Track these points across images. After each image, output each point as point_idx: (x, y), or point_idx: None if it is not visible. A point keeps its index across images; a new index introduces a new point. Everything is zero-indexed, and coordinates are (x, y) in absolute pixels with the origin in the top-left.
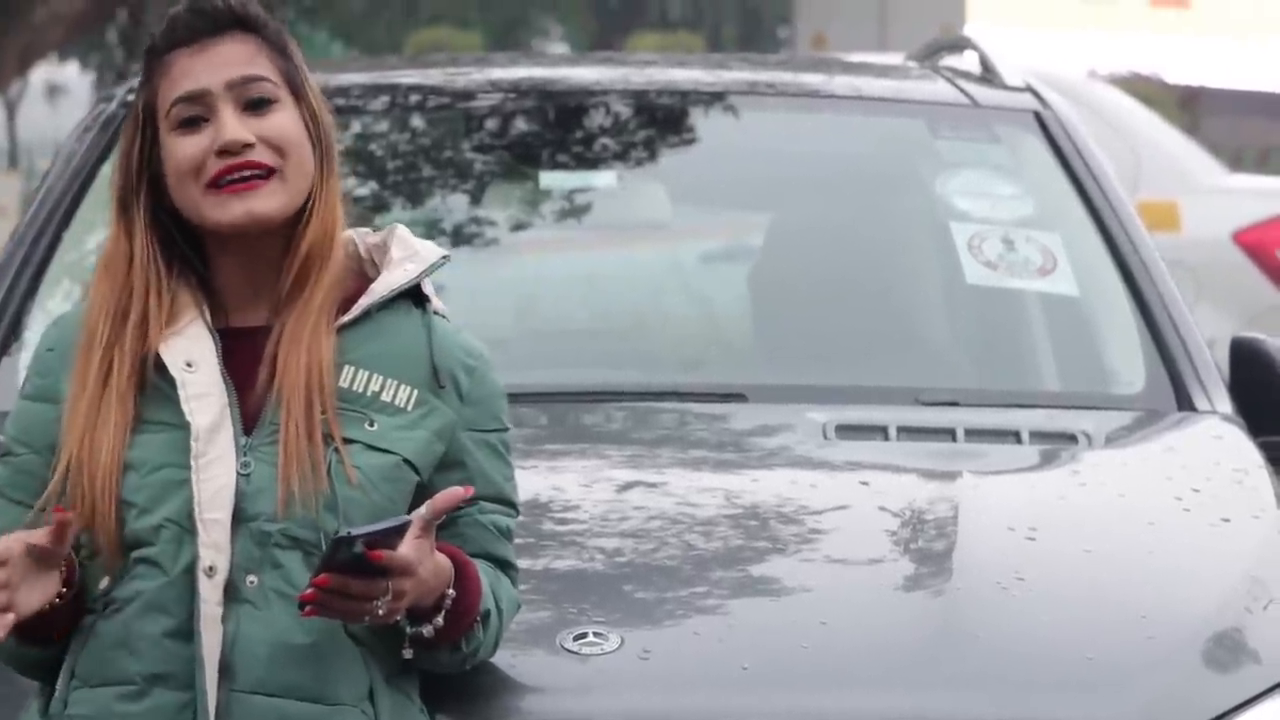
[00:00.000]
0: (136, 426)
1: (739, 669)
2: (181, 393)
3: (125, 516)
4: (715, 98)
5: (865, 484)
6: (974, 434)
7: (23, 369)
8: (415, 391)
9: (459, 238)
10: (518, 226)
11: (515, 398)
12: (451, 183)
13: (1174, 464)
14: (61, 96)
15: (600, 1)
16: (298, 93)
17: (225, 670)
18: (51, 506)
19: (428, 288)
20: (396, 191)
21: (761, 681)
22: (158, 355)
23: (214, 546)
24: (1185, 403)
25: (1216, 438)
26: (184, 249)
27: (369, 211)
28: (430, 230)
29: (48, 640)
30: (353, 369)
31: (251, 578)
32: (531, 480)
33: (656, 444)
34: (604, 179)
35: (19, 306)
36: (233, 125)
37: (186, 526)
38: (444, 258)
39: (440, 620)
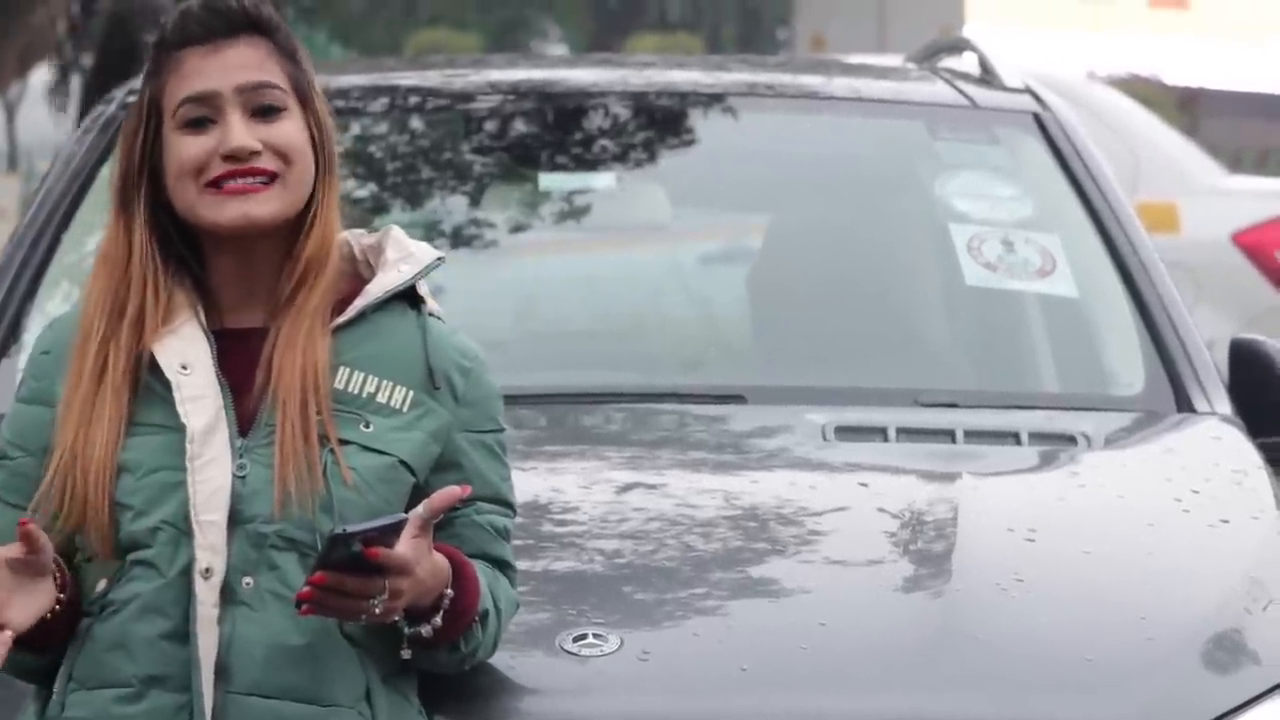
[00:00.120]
0: (131, 429)
1: (738, 670)
2: (177, 395)
3: (121, 519)
4: (714, 99)
5: (864, 485)
6: (973, 435)
7: (21, 371)
8: (411, 393)
9: (458, 239)
10: (517, 228)
11: (514, 399)
12: (450, 184)
13: (1173, 465)
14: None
15: (599, 3)
16: (304, 100)
17: (221, 672)
18: (45, 505)
19: (423, 289)
20: (395, 193)
21: (761, 682)
22: (152, 357)
23: (210, 548)
24: (1184, 404)
25: (1216, 439)
26: (180, 248)
27: (368, 213)
28: (429, 232)
29: (46, 648)
30: (348, 370)
31: (248, 579)
32: (531, 482)
33: (656, 445)
34: (603, 180)
35: (18, 308)
36: (240, 131)
37: (183, 529)
38: (439, 259)
39: (438, 620)
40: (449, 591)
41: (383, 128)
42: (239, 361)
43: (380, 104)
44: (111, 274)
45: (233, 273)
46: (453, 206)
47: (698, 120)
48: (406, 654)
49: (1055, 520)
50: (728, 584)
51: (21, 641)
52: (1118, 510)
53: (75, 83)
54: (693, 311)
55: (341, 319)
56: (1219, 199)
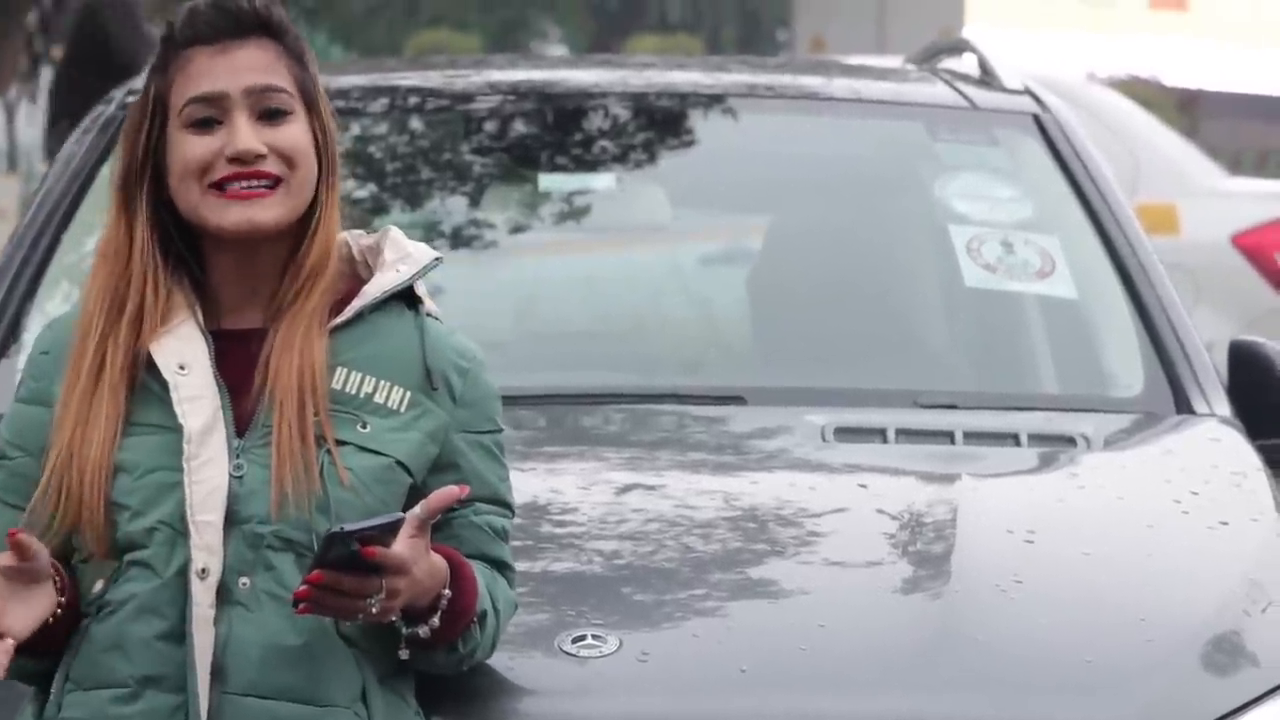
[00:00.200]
0: (128, 429)
1: (737, 671)
2: (174, 395)
3: (118, 519)
4: (714, 100)
5: (864, 486)
6: (973, 436)
7: (21, 371)
8: (408, 393)
9: (458, 240)
10: (517, 229)
11: (514, 400)
12: (450, 185)
13: (1172, 467)
14: None
15: (599, 4)
16: (310, 104)
17: (217, 672)
18: (42, 505)
19: (421, 289)
20: (396, 194)
21: (760, 684)
22: (150, 356)
23: (206, 549)
24: (1184, 406)
25: (1215, 441)
26: (180, 247)
27: (368, 213)
28: (429, 232)
29: (48, 653)
30: (345, 371)
31: (244, 580)
32: (530, 482)
33: (655, 446)
34: (603, 181)
35: (18, 308)
36: (246, 135)
37: (179, 529)
38: (436, 260)
39: (436, 621)
40: (447, 592)
41: (383, 128)
42: (238, 362)
43: (380, 104)
44: (111, 271)
45: (233, 274)
46: (453, 207)
47: (698, 121)
48: (404, 654)
49: (1054, 522)
50: (727, 585)
51: (24, 647)
52: (1117, 512)
53: (45, 75)
54: (692, 312)
55: (339, 319)
56: (1218, 201)
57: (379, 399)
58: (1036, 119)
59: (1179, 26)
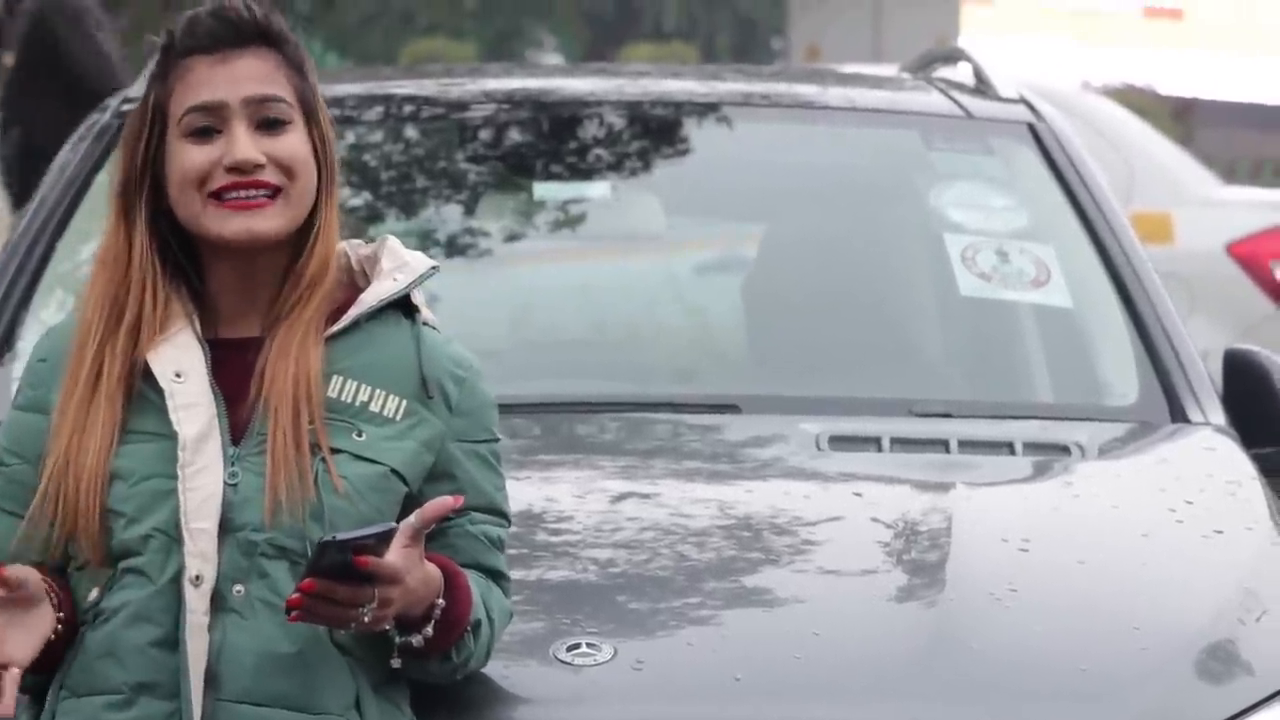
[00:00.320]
0: (125, 436)
1: (732, 679)
2: (170, 402)
3: (113, 526)
4: (709, 109)
5: (858, 495)
6: (967, 445)
7: (16, 379)
8: (404, 402)
9: (453, 248)
10: (512, 237)
11: (509, 408)
12: (446, 193)
13: (1167, 476)
14: None
15: (594, 12)
16: (310, 114)
17: (211, 679)
18: (40, 513)
19: (418, 298)
20: (391, 202)
21: (754, 692)
22: (147, 364)
23: (200, 556)
24: (1179, 414)
25: (1210, 449)
26: (178, 255)
27: (363, 222)
28: (424, 241)
29: (46, 669)
30: (341, 379)
31: (238, 587)
32: (525, 491)
33: (650, 455)
34: (598, 190)
35: (13, 316)
36: (245, 144)
37: (174, 536)
38: (433, 268)
39: (430, 630)
40: (440, 601)
41: (378, 137)
42: (235, 371)
43: (376, 113)
44: (110, 279)
45: (232, 283)
46: (448, 215)
47: (693, 130)
48: (397, 663)
49: (1049, 530)
50: (722, 593)
51: (27, 669)
52: (1112, 520)
53: None
54: (687, 321)
55: (335, 328)
56: (1213, 209)
57: (375, 407)
58: (1031, 128)
59: (1173, 35)
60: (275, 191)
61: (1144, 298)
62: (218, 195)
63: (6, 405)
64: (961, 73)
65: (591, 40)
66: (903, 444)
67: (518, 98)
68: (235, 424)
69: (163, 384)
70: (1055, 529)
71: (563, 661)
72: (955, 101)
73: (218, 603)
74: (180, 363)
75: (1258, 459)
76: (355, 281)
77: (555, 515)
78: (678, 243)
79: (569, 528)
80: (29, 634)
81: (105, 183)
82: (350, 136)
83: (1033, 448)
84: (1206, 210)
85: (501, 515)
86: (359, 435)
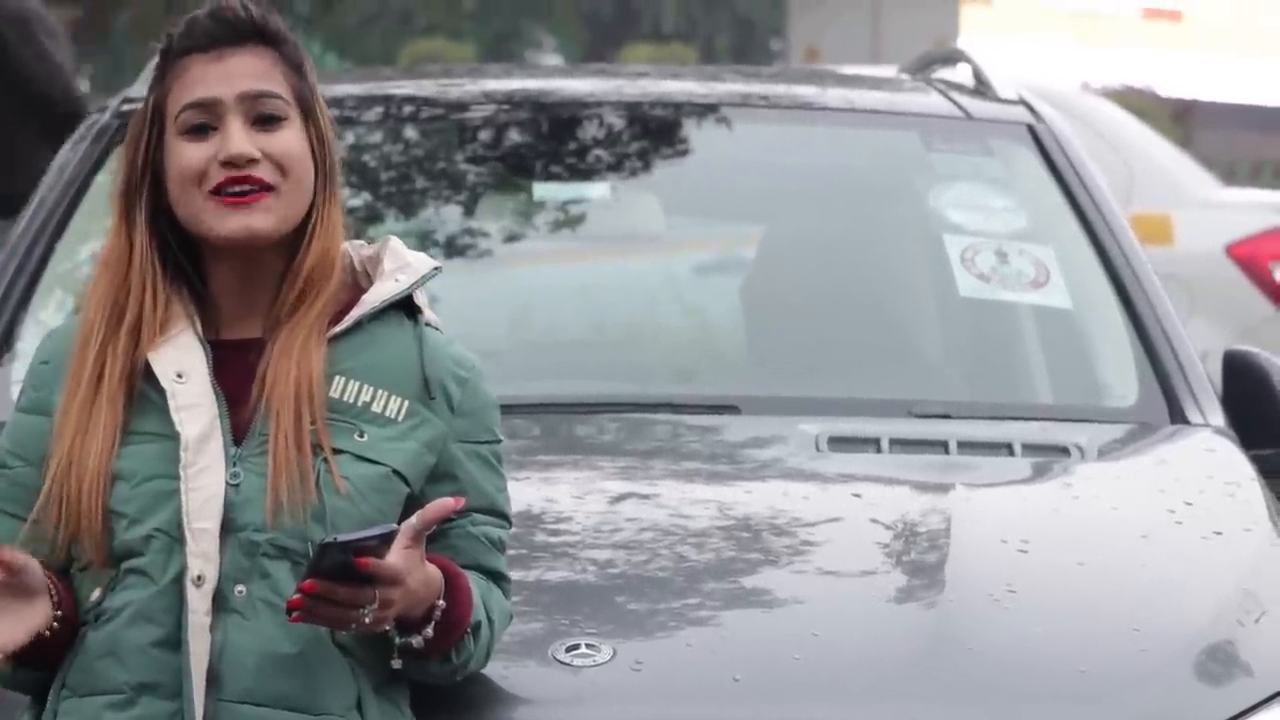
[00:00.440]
0: (127, 437)
1: (731, 680)
2: (171, 403)
3: (115, 527)
4: (708, 109)
5: (858, 496)
6: (967, 446)
7: (15, 379)
8: (406, 403)
9: (452, 249)
10: (511, 238)
11: (508, 409)
12: (445, 194)
13: (1167, 477)
14: None
15: (593, 13)
16: (308, 112)
17: (213, 679)
18: (43, 515)
19: (420, 299)
20: (390, 203)
21: (753, 693)
22: (149, 365)
23: (202, 556)
24: (1178, 416)
25: (1209, 451)
26: (179, 256)
27: (362, 223)
28: (424, 241)
29: (43, 665)
30: (343, 380)
31: (240, 587)
32: (524, 491)
33: (649, 455)
34: (597, 190)
35: (12, 317)
36: (239, 138)
37: (176, 536)
38: (435, 269)
39: (430, 631)
40: (441, 603)
41: (378, 137)
42: (237, 372)
43: (375, 113)
44: (111, 280)
45: (233, 283)
46: (447, 216)
47: (692, 130)
48: (397, 664)
49: (1049, 531)
50: (721, 594)
51: (18, 660)
52: (1111, 522)
53: None
54: (687, 322)
55: (338, 328)
56: (1213, 211)
57: (377, 408)
58: (1031, 129)
59: (1173, 37)
60: (269, 189)
61: (1143, 299)
62: (216, 193)
63: (5, 405)
64: (961, 74)
65: (590, 41)
66: (902, 445)
67: (517, 98)
68: (237, 424)
69: (164, 384)
70: (1054, 530)
71: (562, 662)
72: (954, 103)
73: (219, 603)
74: (182, 363)
75: (1257, 460)
76: (358, 282)
77: (555, 516)
78: (677, 243)
79: (568, 528)
80: (19, 623)
81: (105, 183)
82: (350, 137)
83: (1032, 449)
84: (1206, 212)
85: (502, 517)
86: (361, 436)
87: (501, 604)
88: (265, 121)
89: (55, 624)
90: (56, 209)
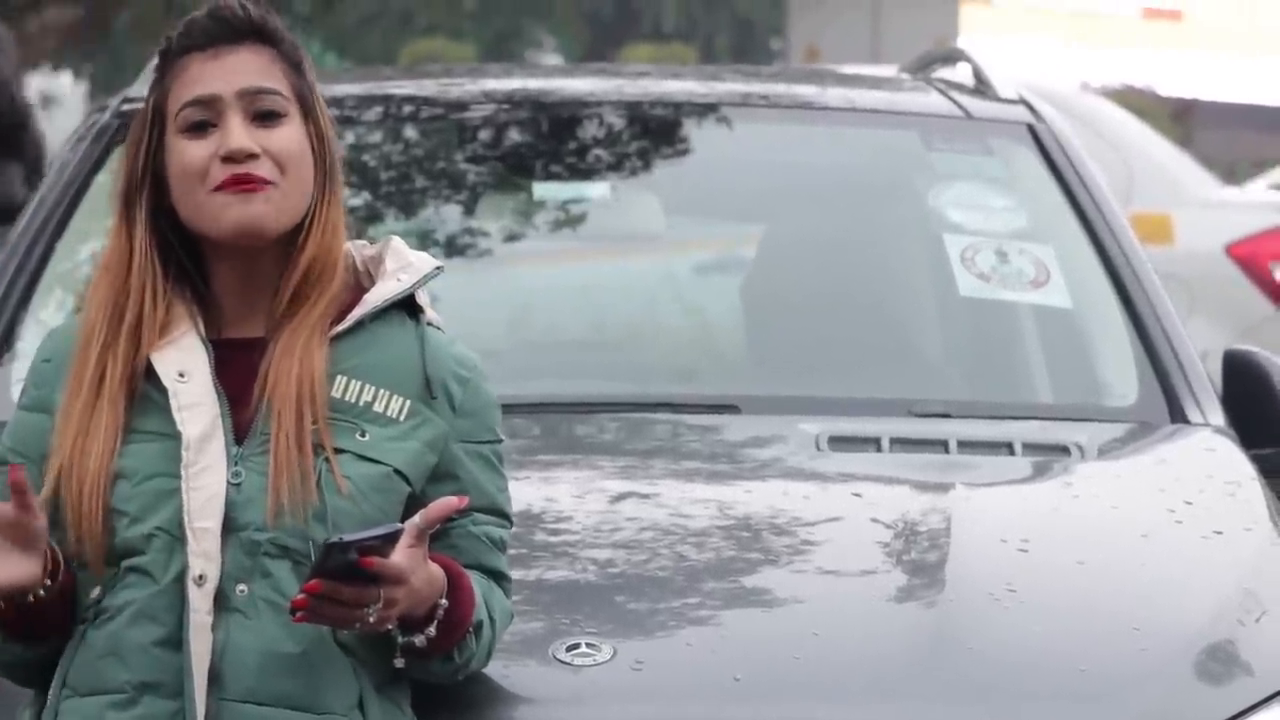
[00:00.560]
0: (128, 436)
1: (731, 680)
2: (173, 402)
3: (116, 525)
4: (708, 109)
5: (858, 495)
6: (967, 445)
7: (15, 379)
8: (408, 402)
9: (452, 248)
10: (511, 237)
11: (508, 408)
12: (445, 193)
13: (1167, 476)
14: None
15: (593, 13)
16: (307, 110)
17: (215, 679)
18: (45, 514)
19: (422, 298)
20: (390, 202)
21: (754, 692)
22: (151, 365)
23: (204, 555)
24: (1178, 415)
25: (1209, 450)
26: (181, 256)
27: (363, 222)
28: (424, 241)
29: (32, 638)
30: (345, 379)
31: (241, 587)
32: (524, 491)
33: (649, 455)
34: (598, 190)
35: (12, 316)
36: (239, 133)
37: (177, 535)
38: (437, 269)
39: (433, 630)
40: (443, 602)
41: (378, 137)
42: (239, 371)
43: (375, 113)
44: (113, 283)
45: (235, 283)
46: (447, 216)
47: (692, 130)
48: (400, 663)
49: (1049, 531)
50: (721, 594)
51: (10, 630)
52: (1111, 521)
53: None
54: (687, 321)
55: (340, 328)
56: (1213, 210)
57: (378, 407)
58: (1031, 129)
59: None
60: (270, 185)
61: (1144, 298)
62: (218, 189)
63: (5, 405)
64: (961, 73)
65: (591, 41)
66: (902, 444)
67: (517, 98)
68: (239, 424)
69: (166, 384)
70: (1055, 529)
71: (562, 662)
72: (955, 102)
73: (221, 602)
74: (184, 363)
75: (1257, 460)
76: (360, 282)
77: (555, 515)
78: (677, 243)
79: (568, 528)
80: (12, 568)
81: (105, 183)
82: (350, 136)
83: (1032, 448)
84: (1206, 211)
85: (504, 516)
86: (362, 435)
87: (503, 603)
88: (265, 118)
89: (43, 591)
90: (56, 209)
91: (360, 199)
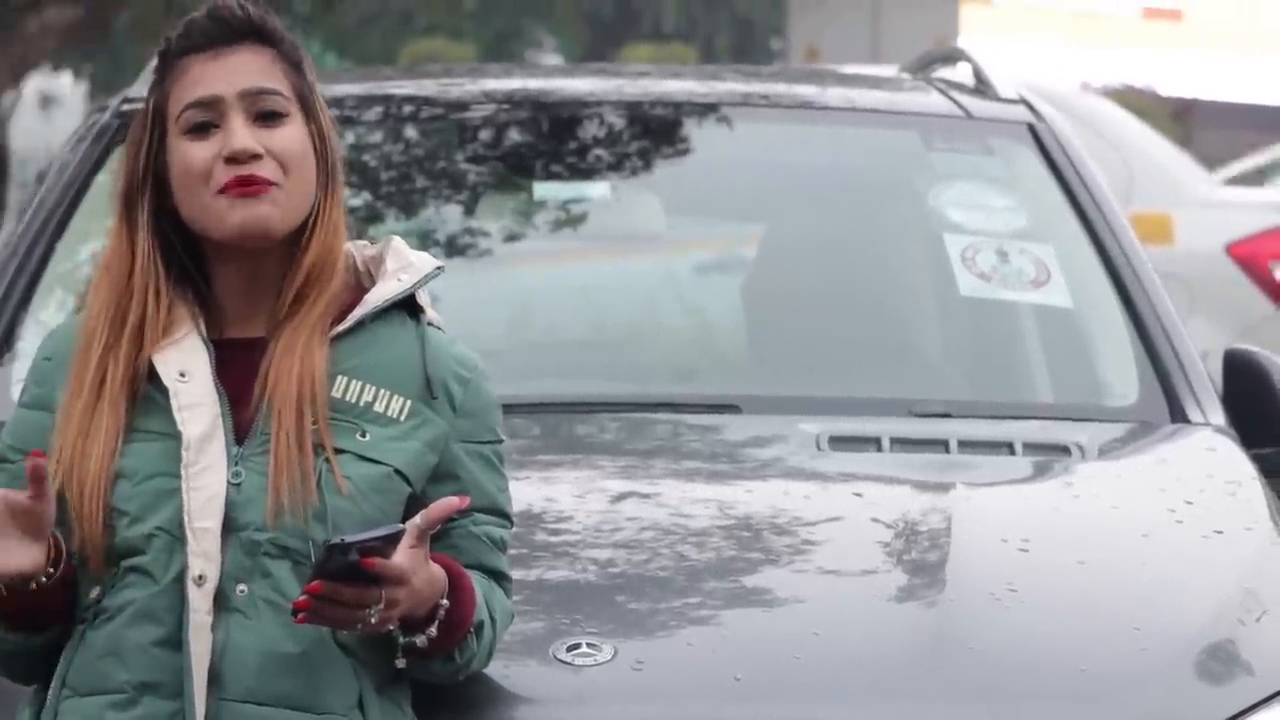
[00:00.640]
0: (129, 435)
1: (732, 679)
2: (174, 402)
3: (117, 525)
4: (709, 109)
5: (858, 495)
6: (967, 445)
7: (16, 379)
8: (408, 402)
9: (453, 248)
10: (511, 237)
11: (509, 408)
12: (445, 193)
13: (1167, 476)
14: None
15: (593, 13)
16: (308, 109)
17: (214, 679)
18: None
19: (423, 299)
20: (390, 202)
21: (754, 692)
22: (152, 366)
23: (204, 555)
24: (1179, 415)
25: (1210, 450)
26: (183, 257)
27: (363, 222)
28: (424, 241)
29: (31, 627)
30: (346, 379)
31: (241, 587)
32: (525, 491)
33: (650, 455)
34: (598, 190)
35: (12, 316)
36: (242, 134)
37: (177, 535)
38: (438, 269)
39: (434, 630)
40: (444, 602)
41: (378, 137)
42: (240, 371)
43: (375, 113)
44: (114, 285)
45: (237, 285)
46: (448, 215)
47: (692, 130)
48: (401, 663)
49: (1049, 530)
50: (721, 593)
51: (11, 619)
52: (1112, 521)
53: None
54: (687, 321)
55: (340, 328)
56: (1213, 210)
57: (379, 408)
58: (1031, 128)
59: (1173, 36)
60: (274, 186)
61: (1144, 298)
62: (222, 193)
63: (5, 404)
64: (961, 73)
65: (591, 41)
66: (903, 444)
67: (518, 98)
68: (240, 424)
69: (167, 384)
70: (1055, 529)
71: (563, 661)
72: (955, 102)
73: (221, 602)
74: (185, 363)
75: (1258, 459)
76: (361, 282)
77: (555, 515)
78: (678, 243)
79: (569, 528)
80: (16, 555)
81: (105, 183)
82: (350, 136)
83: (1033, 448)
84: (1206, 211)
85: (504, 516)
86: (363, 435)
87: (503, 603)
88: (267, 118)
89: (45, 578)
90: (57, 209)
91: (360, 199)
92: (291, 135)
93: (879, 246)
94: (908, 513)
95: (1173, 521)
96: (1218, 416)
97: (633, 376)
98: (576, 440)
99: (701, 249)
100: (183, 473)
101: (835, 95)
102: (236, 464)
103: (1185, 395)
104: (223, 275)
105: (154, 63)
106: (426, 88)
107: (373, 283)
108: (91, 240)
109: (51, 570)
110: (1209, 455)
